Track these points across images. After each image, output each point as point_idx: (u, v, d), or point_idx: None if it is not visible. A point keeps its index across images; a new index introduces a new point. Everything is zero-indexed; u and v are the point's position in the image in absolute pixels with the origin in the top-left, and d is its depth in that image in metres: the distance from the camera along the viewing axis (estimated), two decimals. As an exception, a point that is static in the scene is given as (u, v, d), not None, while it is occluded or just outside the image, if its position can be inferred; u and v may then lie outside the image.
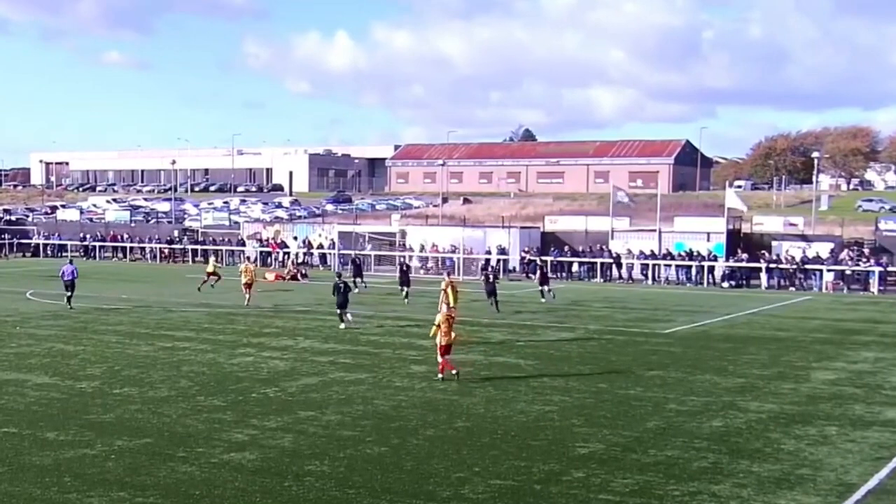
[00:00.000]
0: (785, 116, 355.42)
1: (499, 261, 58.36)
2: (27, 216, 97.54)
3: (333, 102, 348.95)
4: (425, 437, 17.96)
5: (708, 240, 56.02)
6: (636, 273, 56.43)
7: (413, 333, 31.71)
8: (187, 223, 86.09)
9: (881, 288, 50.17)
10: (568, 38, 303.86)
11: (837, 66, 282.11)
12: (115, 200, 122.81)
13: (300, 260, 63.52)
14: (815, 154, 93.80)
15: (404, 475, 15.36)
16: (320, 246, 65.12)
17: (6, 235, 76.99)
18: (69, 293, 39.48)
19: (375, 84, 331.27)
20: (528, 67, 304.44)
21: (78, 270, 41.38)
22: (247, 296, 40.53)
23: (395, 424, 18.88)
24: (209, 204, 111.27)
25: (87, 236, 75.33)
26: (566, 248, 58.69)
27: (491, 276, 41.04)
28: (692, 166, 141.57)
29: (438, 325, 23.76)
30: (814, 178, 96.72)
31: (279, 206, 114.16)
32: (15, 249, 75.75)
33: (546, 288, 43.91)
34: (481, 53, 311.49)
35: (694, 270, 54.24)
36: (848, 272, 51.58)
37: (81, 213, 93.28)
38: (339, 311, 33.68)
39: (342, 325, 33.27)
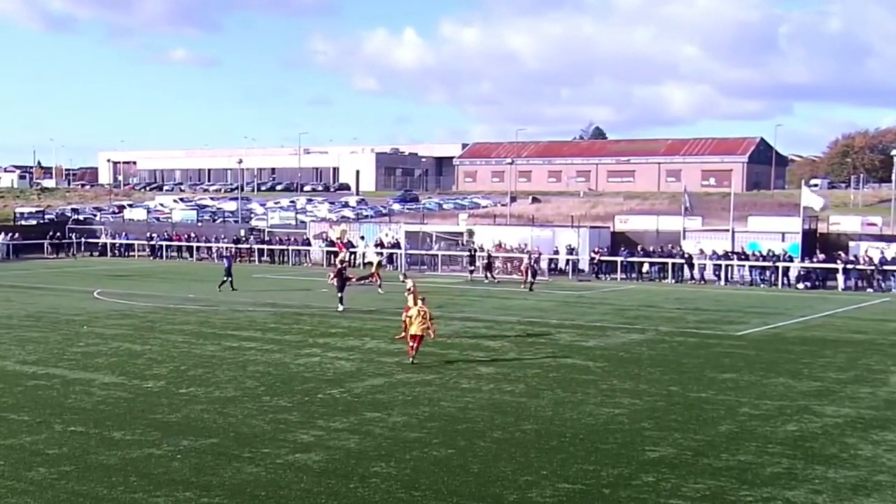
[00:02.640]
0: (865, 113, 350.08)
1: (568, 261, 58.37)
2: (95, 215, 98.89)
3: (401, 100, 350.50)
4: (492, 439, 17.97)
5: (783, 240, 55.28)
6: (708, 274, 55.90)
7: (481, 334, 31.74)
8: (254, 223, 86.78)
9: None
10: (639, 34, 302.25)
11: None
12: (181, 200, 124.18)
13: (367, 259, 63.72)
14: (894, 152, 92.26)
15: (471, 478, 15.37)
16: (390, 245, 65.31)
17: (74, 235, 78.15)
18: (227, 278, 46.61)
19: (443, 81, 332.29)
20: (598, 63, 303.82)
21: (233, 259, 51.21)
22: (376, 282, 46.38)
23: (462, 426, 18.90)
24: (276, 203, 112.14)
25: (154, 236, 76.25)
26: (638, 248, 58.26)
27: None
28: (767, 164, 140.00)
29: (411, 318, 25.95)
30: (893, 177, 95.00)
31: (346, 205, 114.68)
32: (83, 248, 76.90)
33: (487, 275, 53.31)
34: (551, 49, 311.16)
35: (768, 271, 53.59)
36: (929, 273, 50.67)
37: (148, 212, 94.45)
38: (339, 294, 39.34)
39: (340, 308, 38.52)
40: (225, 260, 49.97)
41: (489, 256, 56.41)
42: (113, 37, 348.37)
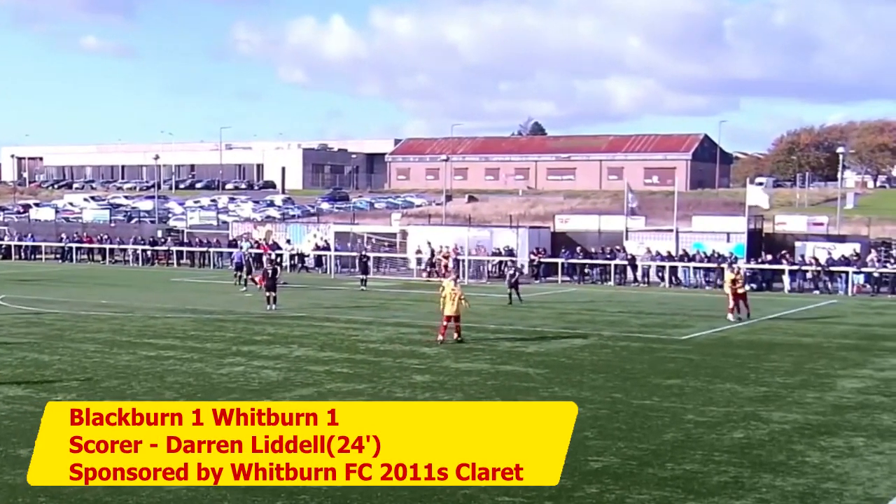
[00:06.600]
0: (813, 109, 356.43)
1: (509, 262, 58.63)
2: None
3: (332, 93, 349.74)
4: (427, 451, 17.92)
5: (728, 240, 55.93)
6: (652, 276, 56.38)
7: (415, 341, 31.74)
8: (171, 223, 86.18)
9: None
10: (582, 26, 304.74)
11: (869, 57, 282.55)
12: (93, 198, 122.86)
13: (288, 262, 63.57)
14: (840, 149, 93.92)
15: (406, 492, 15.24)
16: (317, 247, 65.12)
17: (-26, 237, 76.97)
18: (239, 273, 50.70)
19: (376, 73, 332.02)
20: (539, 57, 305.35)
21: (245, 255, 53.61)
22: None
23: (395, 438, 18.83)
24: (195, 202, 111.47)
25: (64, 237, 75.27)
26: (578, 250, 58.55)
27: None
28: (711, 162, 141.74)
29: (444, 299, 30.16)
30: (839, 175, 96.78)
31: (271, 204, 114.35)
32: (-16, 251, 75.71)
33: (364, 277, 52.60)
34: (490, 41, 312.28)
35: (714, 273, 54.12)
36: (875, 274, 51.52)
37: (57, 212, 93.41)
38: (267, 293, 40.83)
39: (270, 308, 40.09)
40: (236, 256, 54.18)
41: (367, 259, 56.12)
42: (19, 22, 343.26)
